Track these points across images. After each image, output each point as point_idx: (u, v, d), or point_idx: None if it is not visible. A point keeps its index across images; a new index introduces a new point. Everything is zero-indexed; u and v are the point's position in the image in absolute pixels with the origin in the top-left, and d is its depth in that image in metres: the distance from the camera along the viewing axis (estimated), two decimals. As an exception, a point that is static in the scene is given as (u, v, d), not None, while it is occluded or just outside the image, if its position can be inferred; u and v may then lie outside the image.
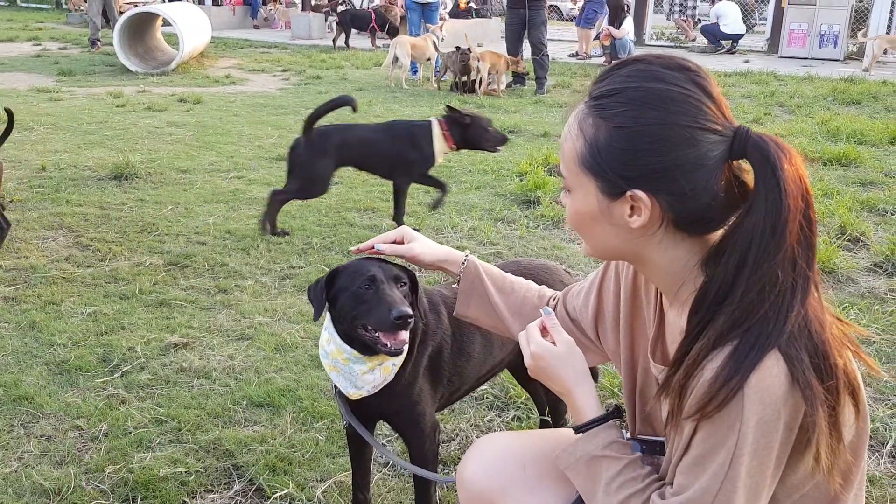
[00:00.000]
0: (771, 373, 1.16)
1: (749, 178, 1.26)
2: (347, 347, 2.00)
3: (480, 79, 10.89)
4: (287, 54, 15.38)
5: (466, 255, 1.84)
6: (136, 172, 6.23)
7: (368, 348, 1.98)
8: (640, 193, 1.26)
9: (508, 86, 11.82)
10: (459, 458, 2.66)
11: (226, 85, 11.48)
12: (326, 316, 2.08)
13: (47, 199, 5.58)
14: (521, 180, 6.12)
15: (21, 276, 4.20)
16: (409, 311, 1.87)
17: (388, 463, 2.67)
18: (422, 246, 1.86)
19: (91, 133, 7.87)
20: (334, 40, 16.68)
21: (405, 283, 1.99)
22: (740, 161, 1.26)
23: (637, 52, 13.33)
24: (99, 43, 14.97)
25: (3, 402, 2.97)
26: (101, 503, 2.43)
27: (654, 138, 1.23)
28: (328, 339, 2.05)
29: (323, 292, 2.01)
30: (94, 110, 9.08)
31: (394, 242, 1.88)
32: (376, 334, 1.92)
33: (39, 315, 3.71)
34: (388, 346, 1.90)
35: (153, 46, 13.39)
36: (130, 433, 2.80)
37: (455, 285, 1.84)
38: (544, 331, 1.54)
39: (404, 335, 1.91)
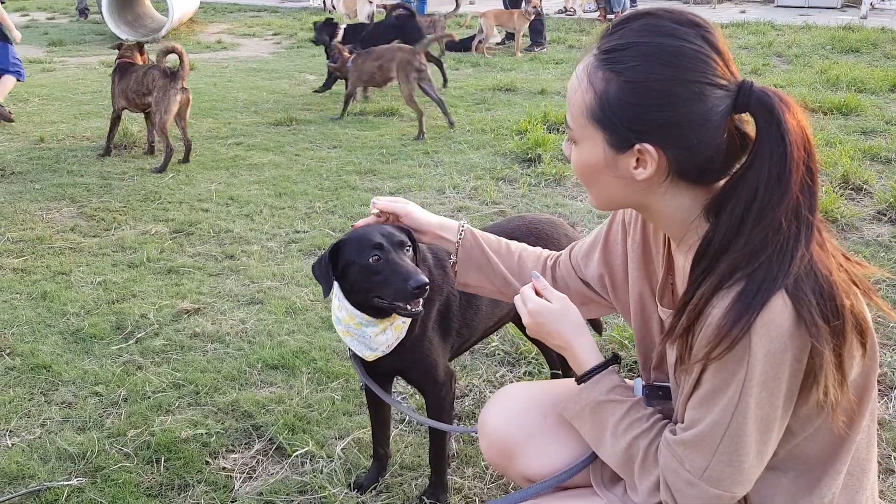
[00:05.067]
0: (777, 309, 1.19)
1: (750, 128, 1.29)
2: (358, 313, 2.02)
3: (481, 38, 10.74)
4: (277, 17, 15.19)
5: (463, 225, 1.84)
6: (135, 141, 6.21)
7: (382, 313, 2.01)
8: (648, 147, 1.28)
9: (501, 43, 11.68)
10: (474, 413, 2.72)
11: (217, 51, 11.36)
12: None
13: (48, 171, 5.57)
14: (521, 138, 6.11)
15: (28, 248, 4.21)
16: (425, 279, 1.88)
17: (406, 419, 2.72)
18: (417, 209, 1.89)
19: (86, 103, 7.82)
20: (324, 1, 16.45)
21: (409, 247, 1.97)
22: (741, 114, 1.29)
23: (630, 5, 13.19)
24: (87, 11, 14.77)
25: (22, 371, 3.01)
26: (125, 466, 2.47)
27: (664, 93, 1.25)
28: (339, 307, 2.07)
29: (329, 268, 1.99)
30: (88, 80, 9.01)
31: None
32: (395, 303, 1.93)
33: (50, 285, 3.74)
34: (409, 309, 1.92)
35: (142, 13, 13.21)
36: (149, 398, 2.84)
37: (453, 258, 1.85)
38: (537, 293, 1.58)
39: (420, 301, 1.93)
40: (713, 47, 1.27)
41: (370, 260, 1.92)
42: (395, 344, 2.07)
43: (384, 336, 2.04)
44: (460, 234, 1.82)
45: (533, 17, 10.67)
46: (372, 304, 1.97)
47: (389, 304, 1.94)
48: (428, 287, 1.88)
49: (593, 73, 1.31)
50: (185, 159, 5.79)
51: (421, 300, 1.93)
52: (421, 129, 6.35)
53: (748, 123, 1.30)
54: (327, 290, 2.00)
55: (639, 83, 1.26)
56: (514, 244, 1.87)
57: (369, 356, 2.09)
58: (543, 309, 1.54)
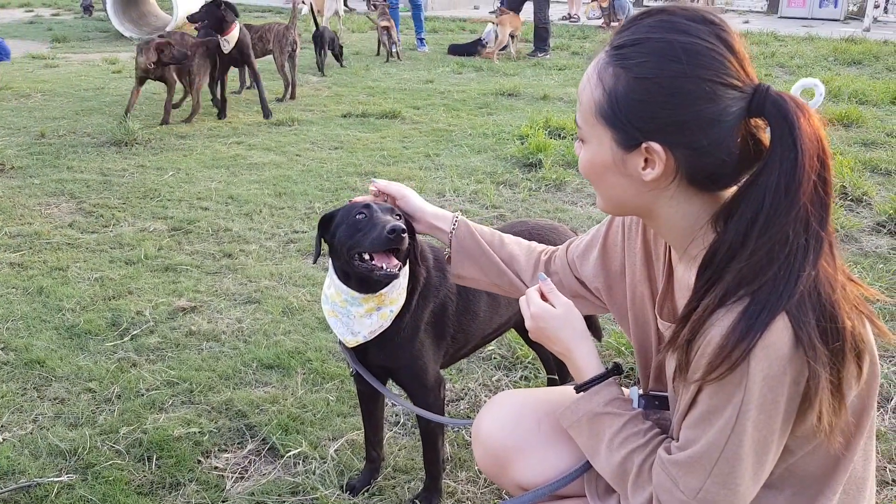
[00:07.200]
0: (777, 331, 1.16)
1: (765, 135, 1.25)
2: (344, 287, 2.01)
3: (493, 42, 10.76)
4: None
5: (457, 215, 1.85)
6: (136, 138, 6.20)
7: (365, 284, 1.98)
8: (655, 146, 1.25)
9: (504, 48, 11.69)
10: (469, 417, 2.70)
11: (221, 50, 11.35)
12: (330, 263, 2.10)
13: (48, 166, 5.56)
14: (522, 143, 6.11)
15: (26, 243, 4.20)
16: (403, 225, 1.84)
17: (400, 422, 2.71)
18: (414, 194, 1.92)
19: (88, 99, 7.82)
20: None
21: (399, 216, 1.93)
22: (757, 119, 1.25)
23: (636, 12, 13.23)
24: (92, 8, 14.79)
25: (16, 366, 2.99)
26: (117, 463, 2.46)
27: (674, 91, 1.22)
28: (329, 284, 2.08)
29: (317, 236, 2.07)
30: (91, 77, 9.01)
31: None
32: (372, 262, 1.90)
33: (46, 280, 3.72)
34: (384, 268, 1.89)
35: (147, 11, 13.22)
36: (143, 395, 2.82)
37: (447, 250, 1.85)
38: (543, 296, 1.56)
39: (396, 261, 1.90)
40: (727, 46, 1.24)
41: (356, 216, 1.94)
42: (378, 331, 2.04)
43: (368, 320, 2.02)
44: (454, 225, 1.83)
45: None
46: (354, 267, 1.94)
47: (368, 267, 1.90)
48: (404, 234, 1.83)
49: (603, 69, 1.29)
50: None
51: (396, 261, 1.89)
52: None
53: (763, 131, 1.26)
54: (315, 257, 2.12)
55: (648, 80, 1.23)
56: (507, 237, 1.86)
57: (350, 341, 2.06)
58: (546, 314, 1.52)
